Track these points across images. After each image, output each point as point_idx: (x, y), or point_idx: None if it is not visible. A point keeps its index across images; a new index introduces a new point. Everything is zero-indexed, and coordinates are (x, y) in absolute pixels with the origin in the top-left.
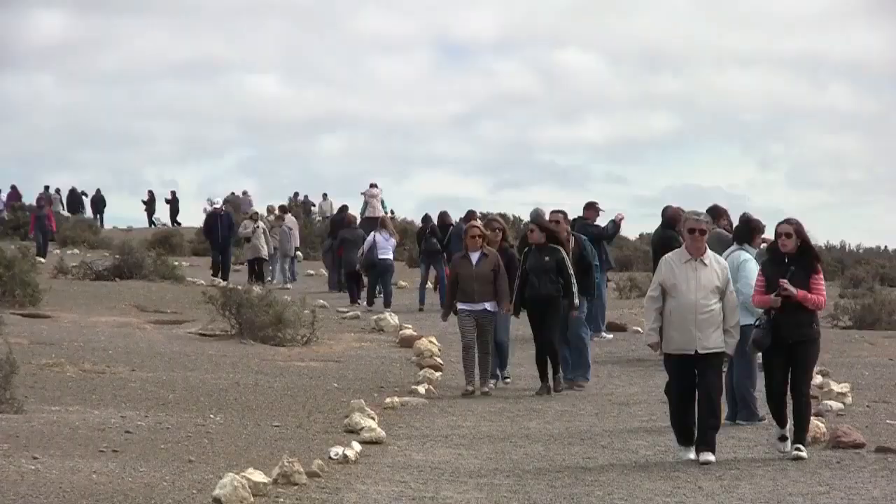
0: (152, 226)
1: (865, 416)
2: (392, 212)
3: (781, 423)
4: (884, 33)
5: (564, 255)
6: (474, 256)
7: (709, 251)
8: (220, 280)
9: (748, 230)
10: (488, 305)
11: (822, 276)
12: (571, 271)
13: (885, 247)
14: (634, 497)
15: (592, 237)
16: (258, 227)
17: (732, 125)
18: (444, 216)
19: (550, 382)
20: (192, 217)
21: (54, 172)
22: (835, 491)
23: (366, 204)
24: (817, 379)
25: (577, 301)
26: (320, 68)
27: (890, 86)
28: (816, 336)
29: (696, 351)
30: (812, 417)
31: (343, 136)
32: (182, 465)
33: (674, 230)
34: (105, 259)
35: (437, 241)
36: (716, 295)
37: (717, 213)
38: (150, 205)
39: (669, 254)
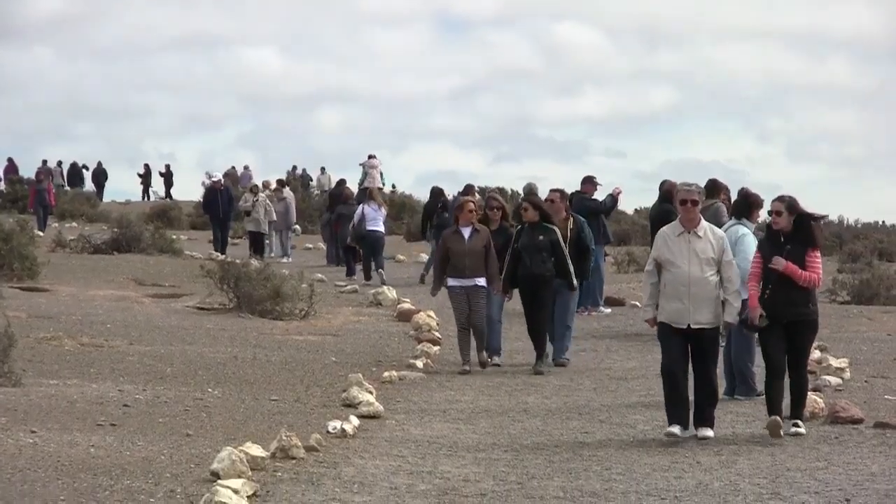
0: (147, 199)
1: (864, 391)
2: (393, 186)
3: (774, 408)
4: (883, 8)
5: (559, 235)
6: (466, 231)
7: (703, 222)
8: (219, 254)
9: (746, 205)
10: (479, 281)
11: (818, 252)
12: (567, 252)
13: (884, 222)
14: (632, 472)
15: (589, 211)
16: (258, 200)
17: (732, 100)
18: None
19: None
20: (191, 191)
21: (52, 145)
22: (833, 466)
23: (365, 174)
24: (815, 354)
25: (574, 283)
26: (319, 42)
27: (889, 61)
28: (814, 315)
29: (688, 325)
30: (810, 393)
31: (342, 110)
32: (180, 438)
33: (671, 204)
34: (103, 233)
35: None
36: (711, 266)
37: (716, 187)
38: (145, 178)
39: (664, 227)
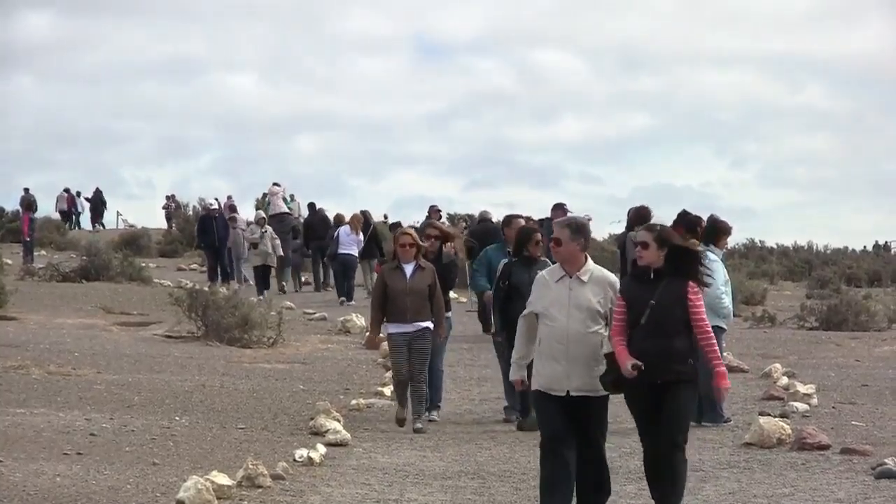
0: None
1: (831, 417)
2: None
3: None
4: (859, 34)
5: None
6: (408, 268)
7: (591, 265)
8: (234, 284)
9: (715, 231)
10: (424, 324)
11: (700, 296)
12: None
13: (853, 248)
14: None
15: None
16: (265, 232)
17: (708, 124)
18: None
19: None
20: (157, 218)
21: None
22: (799, 493)
23: (268, 203)
24: (783, 380)
25: None
26: (298, 68)
27: (864, 86)
28: (693, 375)
29: (567, 392)
30: (777, 419)
31: (320, 136)
32: (146, 467)
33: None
34: (72, 260)
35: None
36: (596, 321)
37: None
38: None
39: (544, 271)
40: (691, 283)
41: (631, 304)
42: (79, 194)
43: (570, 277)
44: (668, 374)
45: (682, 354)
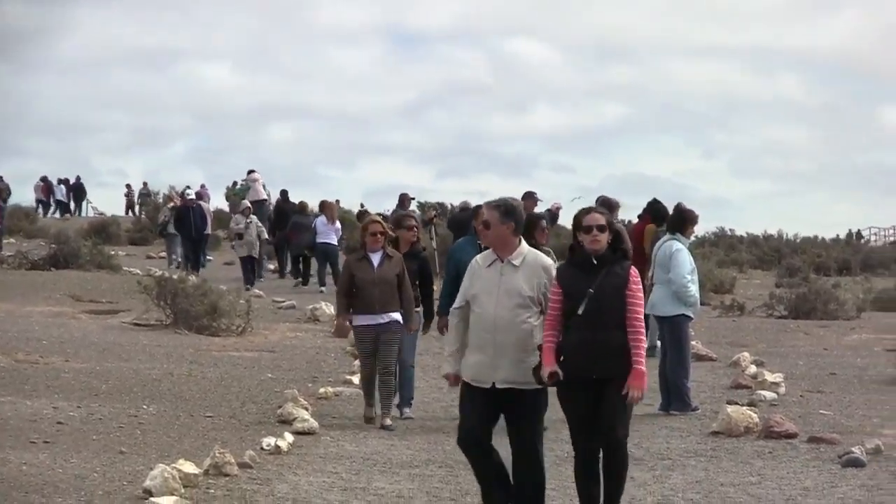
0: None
1: (799, 405)
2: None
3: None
4: (833, 26)
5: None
6: (375, 257)
7: (524, 249)
8: (193, 274)
9: (681, 220)
10: (394, 315)
11: (641, 288)
12: None
13: (823, 237)
14: (565, 487)
15: None
16: (251, 222)
17: (681, 114)
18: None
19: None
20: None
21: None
22: (766, 481)
23: (248, 189)
24: (751, 368)
25: None
26: (272, 58)
27: (837, 78)
28: (629, 370)
29: (493, 384)
30: (745, 407)
31: (293, 126)
32: (114, 456)
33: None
34: (41, 248)
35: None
36: (527, 308)
37: (609, 205)
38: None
39: (478, 255)
40: (633, 274)
41: (568, 292)
42: (64, 182)
43: (502, 262)
44: (606, 370)
45: (621, 348)
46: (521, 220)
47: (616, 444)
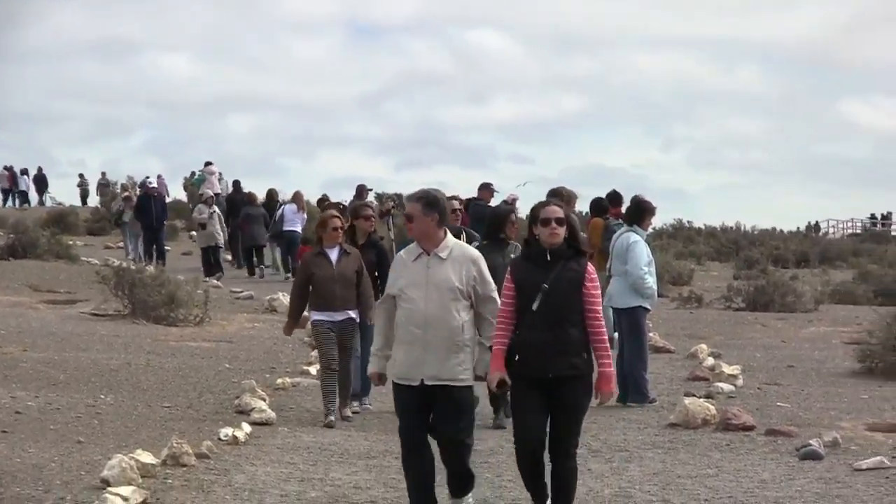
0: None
1: (756, 398)
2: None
3: (539, 498)
4: (793, 18)
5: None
6: (333, 253)
7: (450, 241)
8: (158, 264)
9: (639, 211)
10: (352, 313)
11: (598, 284)
12: None
13: (781, 229)
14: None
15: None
16: (214, 212)
17: (640, 106)
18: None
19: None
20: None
21: None
22: (724, 473)
23: (203, 180)
24: (708, 360)
25: None
26: (231, 48)
27: (796, 70)
28: (588, 370)
29: (421, 381)
30: (702, 399)
31: (252, 116)
32: (71, 445)
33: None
34: None
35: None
36: (457, 300)
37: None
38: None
39: (403, 250)
40: (589, 269)
41: (521, 286)
42: (25, 172)
43: (429, 255)
44: (560, 368)
45: (577, 346)
46: (444, 211)
47: (566, 457)
